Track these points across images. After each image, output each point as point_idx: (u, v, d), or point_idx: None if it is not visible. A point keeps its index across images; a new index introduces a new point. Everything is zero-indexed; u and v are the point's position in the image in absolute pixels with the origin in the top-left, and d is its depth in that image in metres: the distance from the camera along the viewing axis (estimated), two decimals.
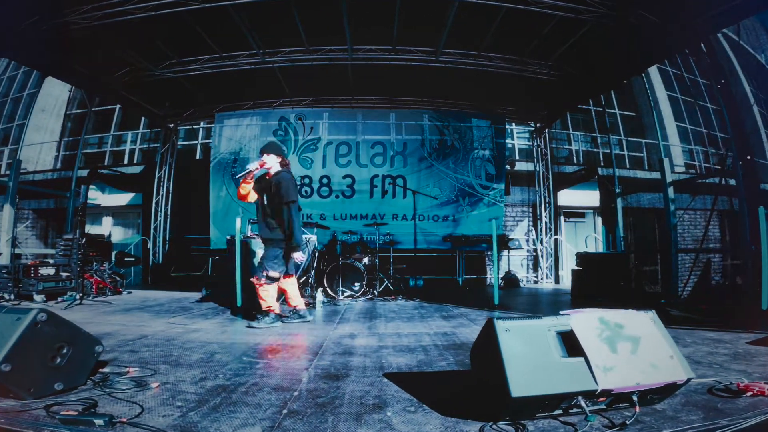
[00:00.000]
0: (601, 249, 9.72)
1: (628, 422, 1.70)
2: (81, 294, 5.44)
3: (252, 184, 4.01)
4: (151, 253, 8.78)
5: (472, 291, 8.00)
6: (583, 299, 6.06)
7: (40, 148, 12.03)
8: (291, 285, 4.26)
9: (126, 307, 5.26)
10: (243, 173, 3.92)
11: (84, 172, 8.61)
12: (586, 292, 6.14)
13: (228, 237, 5.61)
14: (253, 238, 5.50)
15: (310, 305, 5.39)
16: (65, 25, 5.83)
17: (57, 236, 6.20)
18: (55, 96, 12.78)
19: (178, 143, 10.32)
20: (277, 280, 3.98)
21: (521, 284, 9.21)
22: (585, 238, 10.50)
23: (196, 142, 12.37)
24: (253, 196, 4.06)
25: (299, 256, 4.01)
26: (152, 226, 9.08)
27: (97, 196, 9.99)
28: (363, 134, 9.49)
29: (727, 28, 8.38)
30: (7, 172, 7.28)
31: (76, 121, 12.82)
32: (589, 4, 5.75)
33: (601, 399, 1.80)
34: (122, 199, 10.26)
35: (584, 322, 1.88)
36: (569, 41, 6.78)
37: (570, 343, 1.81)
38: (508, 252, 9.27)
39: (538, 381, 1.66)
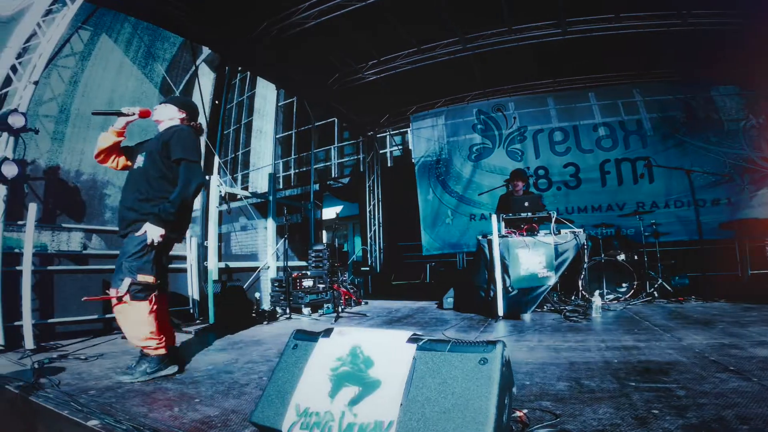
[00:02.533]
0: None
1: None
2: (337, 306, 5.52)
3: (116, 140, 2.68)
4: (369, 262, 8.99)
5: None
6: None
7: (259, 172, 13.97)
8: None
9: (385, 319, 5.09)
10: (108, 113, 2.76)
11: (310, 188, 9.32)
12: None
13: (479, 236, 4.99)
14: (510, 235, 4.75)
15: (586, 311, 4.39)
16: (283, 30, 6.05)
17: (305, 248, 6.47)
18: (265, 122, 14.66)
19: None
20: (152, 288, 2.54)
21: None
22: None
23: (385, 150, 12.68)
24: (116, 161, 2.74)
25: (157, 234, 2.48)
26: (368, 235, 9.33)
27: (318, 210, 10.93)
28: (580, 118, 8.06)
29: None
30: (245, 194, 8.35)
31: (285, 144, 14.51)
32: None
33: None
34: (332, 212, 10.96)
35: None
36: None
37: None
38: None
39: None
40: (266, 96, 13.73)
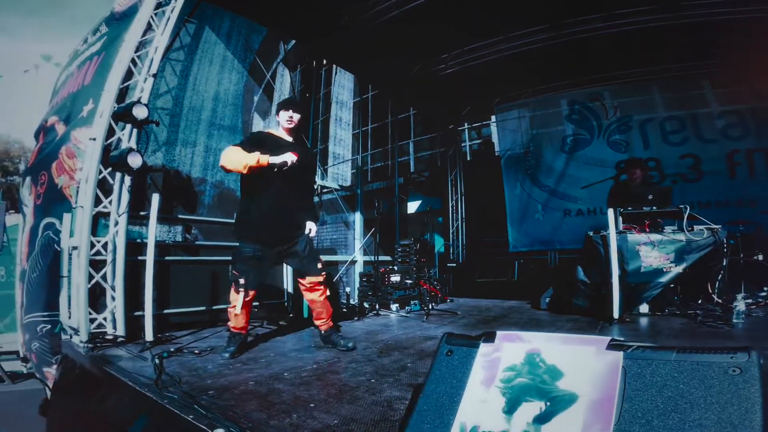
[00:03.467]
0: None
1: None
2: (427, 303, 5.30)
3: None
4: (451, 257, 8.68)
5: None
6: None
7: (339, 166, 14.11)
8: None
9: (479, 318, 4.78)
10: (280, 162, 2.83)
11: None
12: None
13: (590, 232, 4.49)
14: (629, 231, 4.19)
15: (722, 318, 3.73)
16: (365, 19, 5.87)
17: (391, 243, 6.33)
18: (344, 112, 14.76)
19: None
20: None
21: None
22: None
23: (464, 143, 12.20)
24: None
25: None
26: (450, 231, 9.01)
27: (404, 204, 10.75)
28: (698, 106, 7.06)
29: None
30: (334, 187, 8.40)
31: (360, 140, 14.55)
32: None
33: None
34: (415, 205, 10.76)
35: None
36: None
37: None
38: None
39: None
40: (350, 88, 13.82)
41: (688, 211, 3.99)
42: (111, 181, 3.47)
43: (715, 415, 0.88)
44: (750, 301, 4.64)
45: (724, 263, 4.24)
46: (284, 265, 4.79)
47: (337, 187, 6.16)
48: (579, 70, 7.75)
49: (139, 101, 3.29)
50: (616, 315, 3.99)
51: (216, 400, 2.03)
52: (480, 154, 12.35)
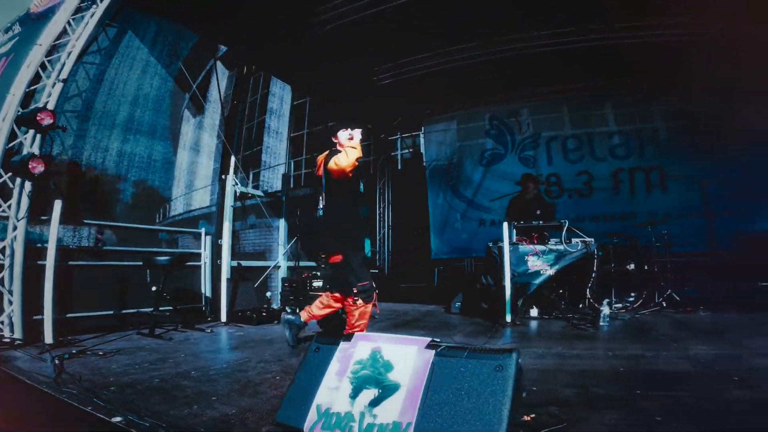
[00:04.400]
0: None
1: None
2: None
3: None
4: (377, 264, 9.03)
5: None
6: None
7: (276, 171, 13.97)
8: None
9: (394, 322, 5.14)
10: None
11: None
12: None
13: (490, 243, 5.03)
14: (520, 243, 4.78)
15: (594, 319, 4.43)
16: (301, 33, 6.08)
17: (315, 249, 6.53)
18: (278, 122, 14.67)
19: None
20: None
21: None
22: None
23: (396, 153, 12.67)
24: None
25: None
26: (377, 238, 9.37)
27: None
28: (595, 126, 8.04)
29: None
30: (258, 194, 8.42)
31: (296, 144, 14.53)
32: None
33: None
34: None
35: None
36: None
37: None
38: None
39: None
40: (282, 96, 13.80)
41: (567, 225, 4.64)
42: (11, 185, 3.36)
43: (478, 403, 1.22)
44: (620, 305, 5.45)
45: (594, 272, 4.93)
46: (202, 269, 4.83)
47: (261, 194, 6.24)
48: (501, 87, 8.44)
49: (45, 107, 3.23)
50: (508, 319, 4.53)
51: (117, 395, 2.13)
52: (411, 163, 12.89)
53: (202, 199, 10.67)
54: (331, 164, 3.16)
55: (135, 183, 4.52)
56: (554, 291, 5.54)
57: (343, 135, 3.33)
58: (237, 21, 5.59)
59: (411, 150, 12.57)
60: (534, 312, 5.07)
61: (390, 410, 1.33)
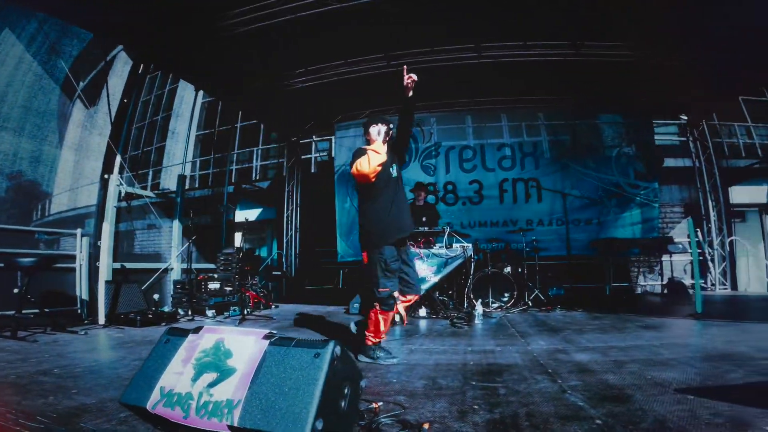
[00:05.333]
0: None
1: None
2: (243, 309, 5.59)
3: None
4: (284, 266, 9.05)
5: (631, 300, 7.02)
6: None
7: (172, 170, 13.27)
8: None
9: (289, 323, 5.26)
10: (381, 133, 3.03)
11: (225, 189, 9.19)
12: None
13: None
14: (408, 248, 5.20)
15: (467, 320, 4.95)
16: (210, 33, 6.02)
17: (215, 251, 6.44)
18: (183, 110, 13.97)
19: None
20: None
21: (689, 291, 7.88)
22: (760, 239, 8.79)
23: (310, 156, 12.79)
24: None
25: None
26: (284, 240, 9.38)
27: (231, 212, 10.71)
28: (488, 137, 8.92)
29: None
30: (148, 194, 8.02)
31: (205, 142, 13.97)
32: None
33: None
34: (251, 214, 10.84)
35: None
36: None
37: None
38: (670, 257, 7.98)
39: None
40: (183, 97, 13.22)
41: (448, 231, 5.17)
42: None
43: (298, 383, 1.46)
44: (496, 305, 6.13)
45: (471, 274, 5.53)
46: (78, 270, 4.56)
47: (151, 195, 6.00)
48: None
49: None
50: (397, 319, 4.87)
51: None
52: (325, 166, 13.08)
53: (90, 196, 9.84)
54: (353, 169, 2.93)
55: (10, 176, 4.15)
56: (443, 292, 6.06)
57: (374, 131, 3.07)
58: (135, 20, 5.35)
59: (326, 153, 12.77)
60: (423, 312, 5.50)
61: (225, 390, 1.53)
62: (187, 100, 12.87)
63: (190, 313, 5.36)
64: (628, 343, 3.43)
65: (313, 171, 11.96)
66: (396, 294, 3.00)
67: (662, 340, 3.48)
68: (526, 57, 7.05)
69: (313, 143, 12.39)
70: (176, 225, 6.06)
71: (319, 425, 1.40)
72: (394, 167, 3.15)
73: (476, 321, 4.91)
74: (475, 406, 2.04)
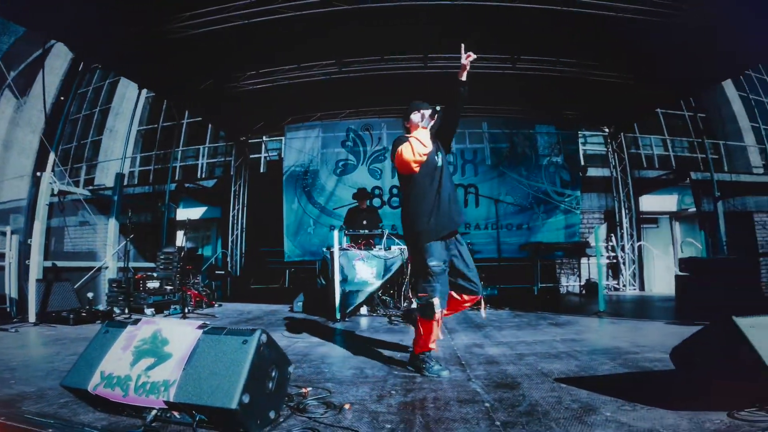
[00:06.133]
0: (695, 254, 9.14)
1: None
2: (184, 307, 5.60)
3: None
4: (229, 266, 9.01)
5: (554, 300, 7.74)
6: (692, 305, 5.65)
7: (109, 165, 12.68)
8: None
9: (230, 321, 5.36)
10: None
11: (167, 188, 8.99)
12: (697, 299, 5.67)
13: (324, 248, 5.64)
14: (349, 249, 5.49)
15: (402, 317, 5.25)
16: (161, 35, 6.01)
17: (155, 250, 6.37)
18: (124, 108, 13.40)
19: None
20: None
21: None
22: (668, 244, 9.95)
23: (259, 155, 12.72)
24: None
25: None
26: (230, 239, 9.33)
27: (172, 210, 10.44)
28: None
29: None
30: (88, 187, 7.72)
31: (147, 138, 13.46)
32: (674, 8, 5.45)
33: None
34: (195, 213, 10.64)
35: None
36: (649, 45, 6.42)
37: None
38: (588, 260, 8.87)
39: None
40: (126, 95, 12.70)
41: (386, 233, 5.51)
42: None
43: (228, 365, 1.69)
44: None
45: (407, 275, 5.85)
46: (8, 268, 4.41)
47: (86, 192, 5.85)
48: (361, 102, 9.30)
49: None
50: (338, 316, 5.12)
51: None
52: (275, 166, 13.05)
53: (16, 191, 9.19)
54: (395, 158, 2.69)
55: None
56: (385, 292, 6.33)
57: (416, 117, 2.81)
58: (82, 20, 5.21)
59: (276, 154, 12.77)
60: (363, 309, 5.76)
61: (162, 372, 1.72)
62: (129, 96, 12.38)
63: (127, 311, 5.30)
64: (536, 339, 3.81)
65: (262, 171, 11.91)
66: (436, 301, 2.57)
67: (563, 336, 3.90)
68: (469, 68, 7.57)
69: (264, 143, 12.34)
70: (113, 223, 5.92)
71: (246, 399, 1.64)
72: (440, 155, 2.83)
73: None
74: (393, 392, 2.32)
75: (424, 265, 2.63)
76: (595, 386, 2.27)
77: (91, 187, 10.23)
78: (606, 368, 2.73)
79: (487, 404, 2.07)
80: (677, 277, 6.19)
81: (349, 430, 1.80)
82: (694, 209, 9.16)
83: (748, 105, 12.40)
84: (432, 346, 2.70)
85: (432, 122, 2.74)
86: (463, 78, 2.76)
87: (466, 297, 2.87)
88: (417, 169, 2.66)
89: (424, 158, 2.64)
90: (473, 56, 2.72)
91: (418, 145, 2.61)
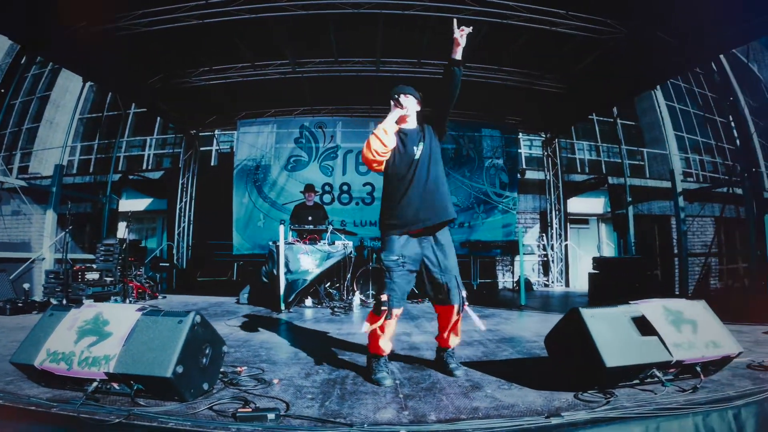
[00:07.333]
0: (610, 254, 10.15)
1: (698, 386, 2.11)
2: (125, 299, 5.63)
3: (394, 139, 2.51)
4: (175, 258, 8.92)
5: (489, 294, 8.34)
6: (599, 300, 6.39)
7: (46, 153, 12.05)
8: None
9: None
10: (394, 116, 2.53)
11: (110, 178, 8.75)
12: (603, 294, 6.46)
13: (271, 242, 5.84)
14: (295, 243, 5.73)
15: (347, 309, 5.57)
16: (112, 31, 5.97)
17: (94, 241, 6.30)
18: (66, 101, 12.80)
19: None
20: None
21: (534, 287, 9.55)
22: (597, 244, 10.92)
23: (211, 148, 12.55)
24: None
25: None
26: (176, 232, 9.22)
27: (114, 202, 10.13)
28: None
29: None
30: (23, 176, 7.38)
31: (89, 126, 12.88)
32: (609, 25, 6.16)
33: (671, 370, 2.18)
34: (140, 204, 10.39)
35: (652, 309, 2.28)
36: (585, 59, 7.18)
37: (642, 326, 2.21)
38: (521, 257, 9.60)
39: (625, 354, 2.06)
40: (69, 87, 12.11)
41: (330, 229, 5.81)
42: None
43: (164, 342, 1.94)
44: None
45: (350, 269, 6.19)
46: None
47: (22, 182, 5.69)
48: (315, 101, 9.50)
49: None
50: (282, 307, 5.35)
51: None
52: (226, 159, 12.91)
53: None
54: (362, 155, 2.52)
55: None
56: (332, 285, 6.60)
57: (407, 101, 2.62)
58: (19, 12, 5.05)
59: (228, 147, 12.65)
60: (309, 302, 6.00)
61: (103, 349, 1.95)
62: (73, 90, 11.82)
63: (64, 302, 5.25)
64: (463, 328, 4.23)
65: (213, 164, 11.79)
66: (384, 297, 2.39)
67: (484, 326, 4.37)
68: (419, 74, 8.03)
69: (215, 137, 12.19)
70: (50, 214, 5.78)
71: (180, 369, 1.90)
72: (421, 146, 2.54)
73: (355, 310, 5.54)
74: (320, 370, 2.64)
75: (378, 258, 2.57)
76: (489, 369, 2.62)
77: (25, 176, 9.73)
78: (505, 354, 3.13)
79: (397, 381, 2.42)
80: (590, 274, 6.98)
81: (275, 399, 2.11)
82: None
83: (674, 114, 13.74)
84: (384, 348, 2.46)
85: (402, 111, 2.56)
86: (458, 57, 2.43)
87: (439, 307, 2.60)
88: (379, 169, 2.53)
89: (383, 158, 2.47)
90: (467, 30, 2.38)
91: (376, 143, 2.43)
